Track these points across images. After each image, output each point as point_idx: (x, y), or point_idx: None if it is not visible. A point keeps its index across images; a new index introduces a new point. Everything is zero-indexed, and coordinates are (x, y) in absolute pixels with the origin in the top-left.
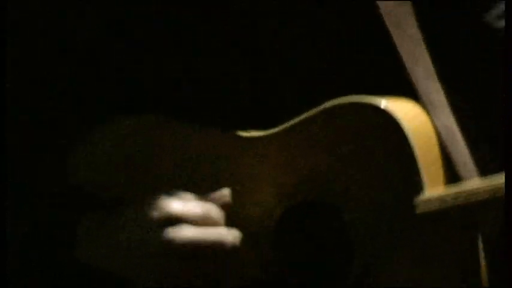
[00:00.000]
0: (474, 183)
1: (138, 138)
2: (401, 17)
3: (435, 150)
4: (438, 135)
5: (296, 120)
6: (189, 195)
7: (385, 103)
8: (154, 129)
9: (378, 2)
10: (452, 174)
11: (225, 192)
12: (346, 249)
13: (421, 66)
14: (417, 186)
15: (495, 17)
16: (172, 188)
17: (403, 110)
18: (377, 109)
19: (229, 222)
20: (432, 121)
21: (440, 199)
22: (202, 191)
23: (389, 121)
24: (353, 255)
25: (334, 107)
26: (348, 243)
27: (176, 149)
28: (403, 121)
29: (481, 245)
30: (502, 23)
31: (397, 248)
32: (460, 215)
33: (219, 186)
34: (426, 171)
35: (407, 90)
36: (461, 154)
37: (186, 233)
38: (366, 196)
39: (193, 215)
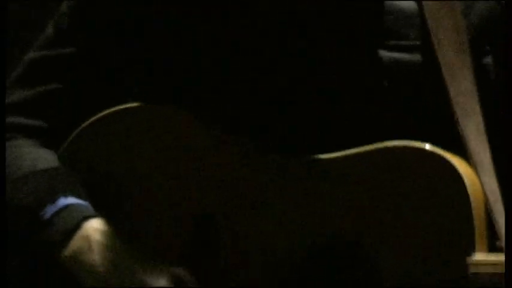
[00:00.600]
0: None
1: (152, 129)
2: (458, 68)
3: (483, 214)
4: (485, 199)
5: (342, 154)
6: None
7: (449, 157)
8: (172, 124)
9: (437, 52)
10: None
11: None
12: None
13: (473, 122)
14: (468, 246)
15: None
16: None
17: (462, 166)
18: (443, 161)
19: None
20: (481, 184)
21: (494, 264)
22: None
23: (453, 177)
24: None
25: (394, 148)
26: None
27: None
28: (465, 179)
29: None
30: None
31: None
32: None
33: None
34: (477, 233)
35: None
36: (501, 224)
37: None
38: (405, 243)
39: None
